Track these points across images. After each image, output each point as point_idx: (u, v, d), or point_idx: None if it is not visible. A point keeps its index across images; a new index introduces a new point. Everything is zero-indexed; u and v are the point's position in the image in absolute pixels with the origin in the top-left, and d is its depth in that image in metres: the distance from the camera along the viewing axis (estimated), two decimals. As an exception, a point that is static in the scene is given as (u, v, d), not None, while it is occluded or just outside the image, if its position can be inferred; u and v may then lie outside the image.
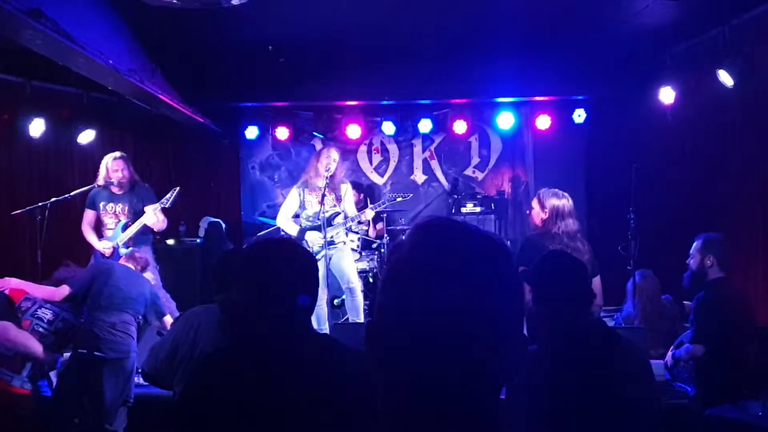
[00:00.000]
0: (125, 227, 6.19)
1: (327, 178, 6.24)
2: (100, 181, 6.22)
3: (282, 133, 8.78)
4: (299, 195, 6.51)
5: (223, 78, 7.66)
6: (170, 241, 7.90)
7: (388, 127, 8.76)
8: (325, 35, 6.52)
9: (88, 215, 6.31)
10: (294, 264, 2.03)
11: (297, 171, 8.81)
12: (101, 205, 6.25)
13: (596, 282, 4.17)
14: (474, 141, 9.17)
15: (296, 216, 6.59)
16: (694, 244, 4.51)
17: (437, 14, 6.14)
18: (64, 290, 4.76)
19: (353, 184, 7.25)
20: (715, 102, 6.23)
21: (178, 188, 6.25)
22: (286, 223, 6.59)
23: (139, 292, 4.99)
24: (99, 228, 6.30)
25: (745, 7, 5.53)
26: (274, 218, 7.48)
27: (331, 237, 6.30)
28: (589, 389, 2.40)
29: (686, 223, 6.47)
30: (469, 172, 9.19)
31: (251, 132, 8.84)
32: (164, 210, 6.22)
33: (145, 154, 8.45)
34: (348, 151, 8.97)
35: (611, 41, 6.63)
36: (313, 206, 6.41)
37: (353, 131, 8.70)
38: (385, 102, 8.54)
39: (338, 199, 6.47)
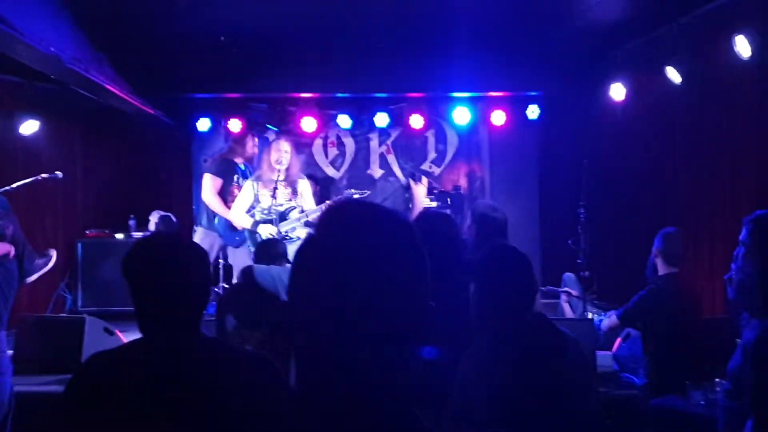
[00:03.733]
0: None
1: (280, 171, 6.17)
2: (248, 154, 6.84)
3: (235, 125, 8.61)
4: (253, 188, 6.44)
5: (174, 69, 7.48)
6: (119, 236, 7.73)
7: (344, 121, 8.68)
8: (278, 25, 6.46)
9: (216, 183, 6.50)
10: (182, 263, 1.97)
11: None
12: (235, 177, 6.56)
13: None
14: (430, 136, 9.17)
15: (251, 208, 6.50)
16: None
17: (393, 7, 6.11)
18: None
19: (308, 177, 7.17)
20: (664, 98, 6.31)
21: None
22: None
23: None
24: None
25: (695, 4, 5.60)
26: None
27: (286, 231, 6.23)
28: (531, 382, 2.40)
29: (636, 217, 6.57)
30: (425, 166, 9.18)
31: (203, 124, 8.68)
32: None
33: (93, 146, 8.26)
34: (303, 145, 8.88)
35: (563, 37, 6.68)
36: (266, 199, 6.34)
37: (308, 124, 8.60)
38: (340, 95, 8.47)
39: (294, 193, 6.40)
